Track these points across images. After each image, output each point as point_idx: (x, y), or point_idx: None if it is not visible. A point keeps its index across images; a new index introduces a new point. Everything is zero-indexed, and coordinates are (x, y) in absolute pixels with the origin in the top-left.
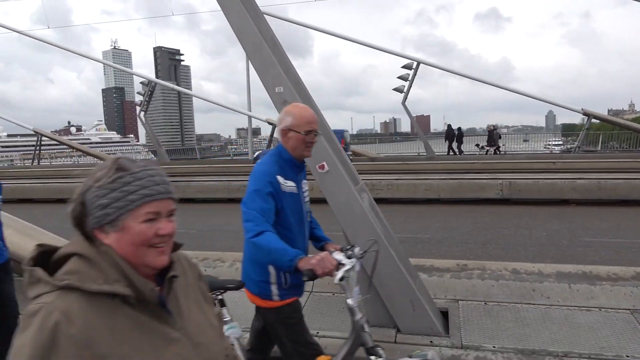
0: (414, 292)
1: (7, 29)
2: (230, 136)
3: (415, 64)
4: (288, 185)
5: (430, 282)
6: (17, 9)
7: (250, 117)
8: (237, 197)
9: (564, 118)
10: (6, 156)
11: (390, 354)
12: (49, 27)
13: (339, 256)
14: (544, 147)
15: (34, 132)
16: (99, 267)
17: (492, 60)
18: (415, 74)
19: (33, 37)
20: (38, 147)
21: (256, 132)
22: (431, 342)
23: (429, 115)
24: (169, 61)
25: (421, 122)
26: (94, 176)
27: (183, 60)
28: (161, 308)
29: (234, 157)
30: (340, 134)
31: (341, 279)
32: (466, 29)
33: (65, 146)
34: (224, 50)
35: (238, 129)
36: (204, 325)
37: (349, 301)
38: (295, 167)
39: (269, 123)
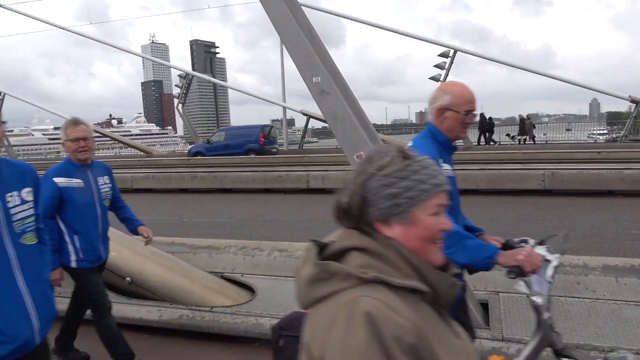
0: None
1: (53, 25)
2: None
3: (452, 51)
4: (446, 168)
5: None
6: (57, 6)
7: (284, 108)
8: (273, 188)
9: (609, 106)
10: (53, 148)
11: None
12: (91, 23)
13: (541, 251)
14: (588, 137)
15: None
16: (388, 261)
17: (532, 47)
18: (452, 62)
19: (77, 33)
20: None
21: (290, 122)
22: None
23: None
24: (204, 54)
25: None
26: (374, 164)
27: (218, 53)
28: (446, 309)
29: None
30: (259, 128)
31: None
32: (504, 14)
33: (107, 138)
34: (257, 42)
35: (272, 120)
36: (464, 334)
37: (536, 299)
38: (450, 149)
39: (304, 114)
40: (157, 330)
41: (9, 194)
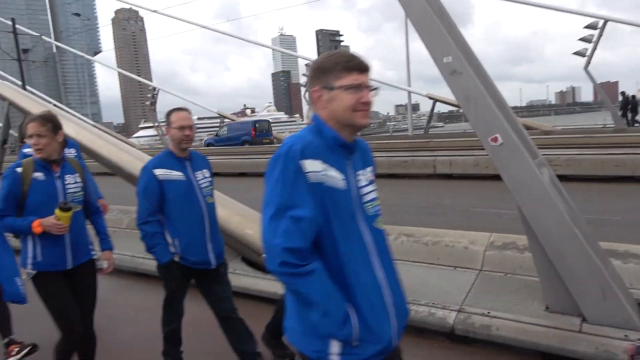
0: (605, 278)
1: (196, 25)
2: (388, 113)
3: (601, 22)
4: None
5: (625, 269)
6: (200, 7)
7: (409, 93)
8: (397, 173)
9: None
10: (197, 136)
11: (572, 345)
12: (227, 20)
13: None
14: None
15: (218, 114)
16: None
17: None
18: (602, 34)
19: (216, 31)
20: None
21: (415, 107)
22: (625, 335)
23: (616, 82)
24: (329, 42)
25: (607, 90)
26: None
27: (342, 41)
28: None
29: (393, 134)
30: (251, 124)
31: None
32: None
33: None
34: (379, 27)
35: (396, 105)
36: None
37: None
38: None
39: (430, 98)
40: None
41: (359, 172)
